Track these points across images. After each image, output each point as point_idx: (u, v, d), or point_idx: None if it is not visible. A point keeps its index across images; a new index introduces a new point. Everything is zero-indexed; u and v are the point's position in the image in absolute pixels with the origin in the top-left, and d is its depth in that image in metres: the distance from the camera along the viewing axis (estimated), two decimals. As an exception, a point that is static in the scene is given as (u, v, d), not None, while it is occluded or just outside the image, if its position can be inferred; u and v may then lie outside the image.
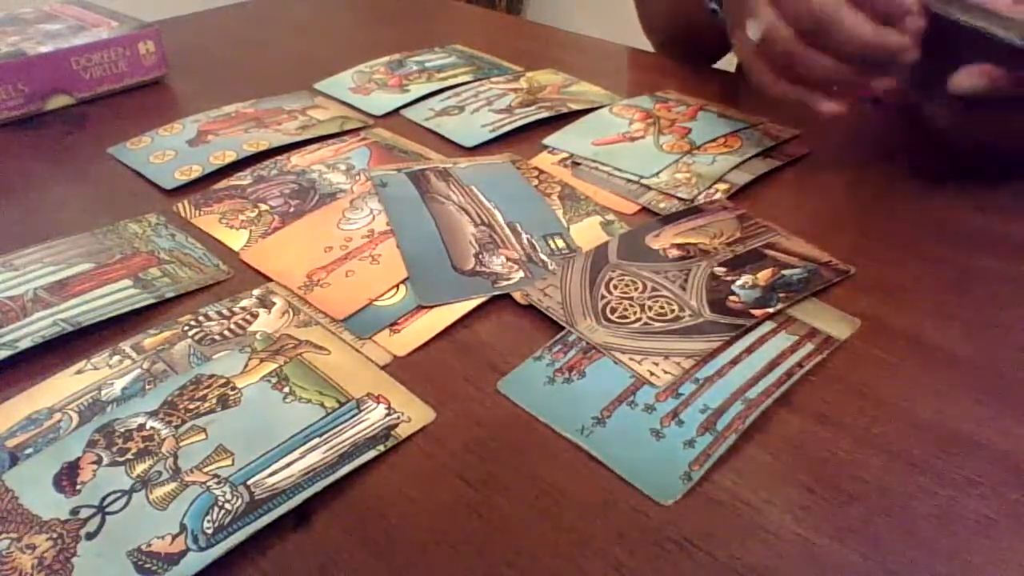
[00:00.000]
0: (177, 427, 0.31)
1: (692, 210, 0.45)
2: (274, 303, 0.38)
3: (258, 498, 0.28)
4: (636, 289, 0.38)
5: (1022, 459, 0.30)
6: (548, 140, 0.54)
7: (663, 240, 0.42)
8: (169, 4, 0.90)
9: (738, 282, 0.39)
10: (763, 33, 0.45)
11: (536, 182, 0.49)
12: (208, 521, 0.27)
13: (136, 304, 0.38)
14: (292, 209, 0.46)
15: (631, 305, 0.37)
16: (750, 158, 0.51)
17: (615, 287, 0.38)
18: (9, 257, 0.41)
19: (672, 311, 0.37)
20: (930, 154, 0.54)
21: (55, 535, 0.27)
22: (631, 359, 0.34)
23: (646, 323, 0.36)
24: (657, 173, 0.49)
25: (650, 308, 0.37)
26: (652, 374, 0.33)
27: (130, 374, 0.34)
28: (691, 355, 0.34)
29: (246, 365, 0.34)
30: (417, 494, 0.29)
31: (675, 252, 0.41)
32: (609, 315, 0.37)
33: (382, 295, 0.39)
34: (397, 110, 0.60)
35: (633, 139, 0.54)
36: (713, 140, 0.53)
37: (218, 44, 0.75)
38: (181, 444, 0.30)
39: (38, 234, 0.43)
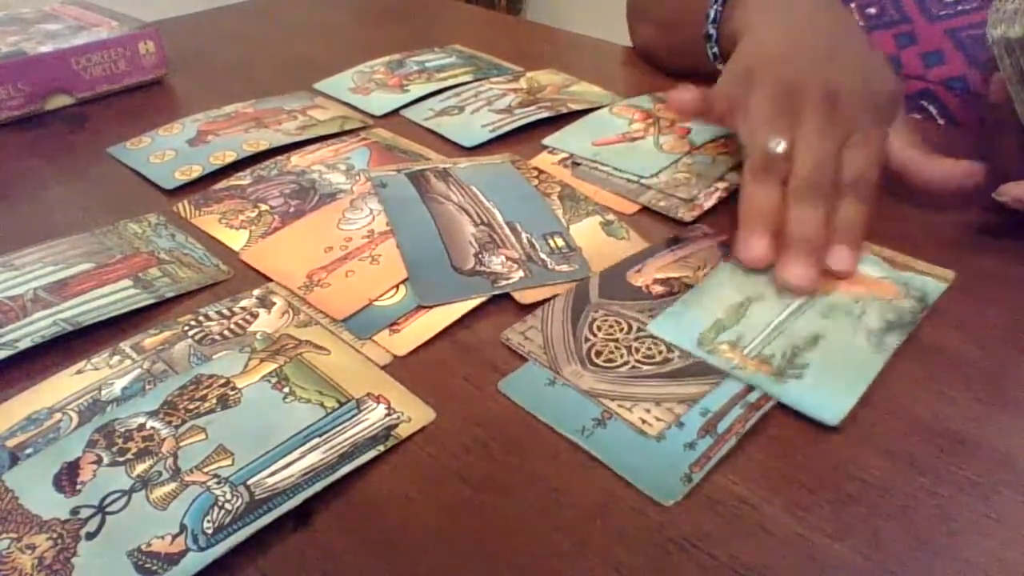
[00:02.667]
0: (177, 427, 0.31)
1: (673, 240, 0.43)
2: (274, 303, 0.38)
3: (258, 498, 0.28)
4: (621, 330, 0.36)
5: (1022, 459, 0.30)
6: (548, 140, 0.54)
7: (645, 276, 0.40)
8: (169, 4, 0.90)
9: None
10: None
11: (536, 182, 0.49)
12: (208, 521, 0.27)
13: (136, 304, 0.38)
14: (292, 209, 0.46)
15: (617, 347, 0.35)
16: (750, 158, 0.51)
17: (599, 328, 0.36)
18: (9, 257, 0.41)
19: (660, 352, 0.35)
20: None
21: (55, 535, 0.27)
22: (620, 406, 0.32)
23: (634, 367, 0.34)
24: (657, 173, 0.49)
25: (637, 350, 0.35)
26: (644, 422, 0.32)
27: (130, 374, 0.34)
28: (683, 399, 0.33)
29: (246, 365, 0.34)
30: (417, 494, 0.29)
31: (658, 288, 0.39)
32: (595, 359, 0.35)
33: (382, 295, 0.39)
34: (397, 110, 0.60)
35: (633, 139, 0.54)
36: (713, 141, 0.53)
37: (218, 44, 0.75)
38: (181, 444, 0.30)
39: (38, 234, 0.43)
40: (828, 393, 0.33)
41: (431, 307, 0.38)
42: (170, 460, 0.29)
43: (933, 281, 0.40)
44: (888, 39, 0.63)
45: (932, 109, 0.62)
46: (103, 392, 0.33)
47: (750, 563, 0.26)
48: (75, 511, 0.27)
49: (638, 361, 0.35)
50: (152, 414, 0.31)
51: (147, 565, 0.26)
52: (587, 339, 0.36)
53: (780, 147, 0.42)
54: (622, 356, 0.35)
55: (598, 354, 0.35)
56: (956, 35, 0.60)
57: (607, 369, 0.34)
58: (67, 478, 0.29)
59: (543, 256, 0.41)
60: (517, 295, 0.39)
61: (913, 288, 0.39)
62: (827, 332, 0.36)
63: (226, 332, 0.36)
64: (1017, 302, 0.39)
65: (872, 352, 0.35)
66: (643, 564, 0.26)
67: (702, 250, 0.42)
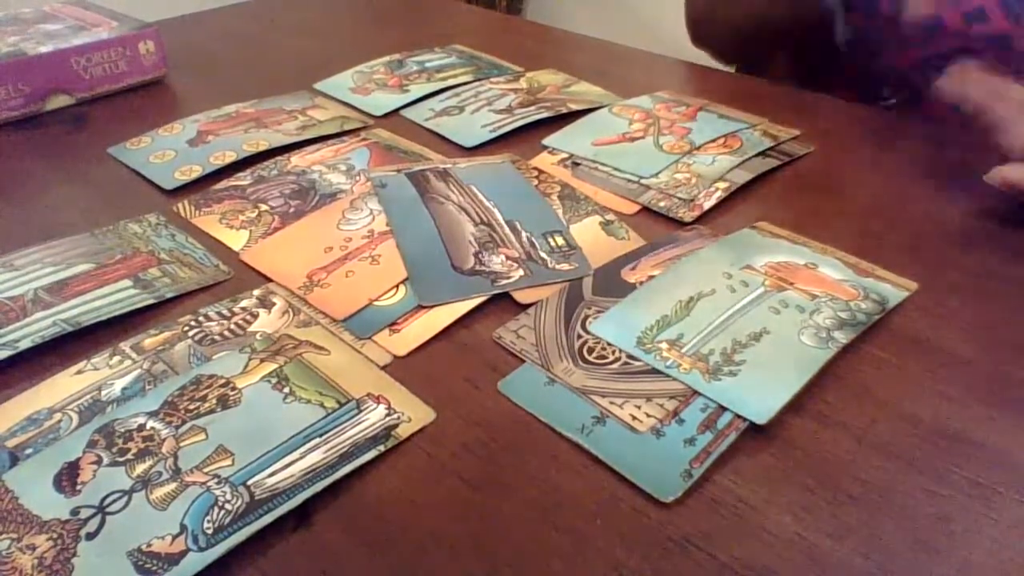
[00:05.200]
0: (177, 427, 0.31)
1: (668, 239, 0.43)
2: (274, 303, 0.38)
3: (258, 498, 0.28)
4: None
5: (1022, 459, 0.30)
6: (548, 140, 0.54)
7: (640, 273, 0.40)
8: (169, 4, 0.90)
9: None
10: None
11: (536, 182, 0.49)
12: (208, 521, 0.27)
13: (136, 304, 0.38)
14: (292, 209, 0.46)
15: (609, 343, 0.35)
16: (750, 158, 0.51)
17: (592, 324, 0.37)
18: (9, 257, 0.41)
19: None
20: (930, 155, 0.54)
21: (55, 535, 0.27)
22: (611, 403, 0.32)
23: (625, 363, 0.34)
24: (657, 173, 0.49)
25: None
26: (635, 418, 0.32)
27: (130, 374, 0.34)
28: (673, 395, 0.33)
29: (246, 365, 0.34)
30: (417, 494, 0.29)
31: None
32: (587, 355, 0.35)
33: (382, 295, 0.39)
34: (397, 110, 0.60)
35: (633, 139, 0.54)
36: (713, 140, 0.53)
37: (218, 44, 0.75)
38: (181, 444, 0.30)
39: (38, 234, 0.43)
40: (760, 392, 0.32)
41: (431, 307, 0.38)
42: (170, 460, 0.29)
43: (893, 288, 0.39)
44: None
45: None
46: (103, 392, 0.33)
47: (750, 563, 0.26)
48: (75, 511, 0.27)
49: (629, 357, 0.35)
50: (152, 414, 0.31)
51: (147, 565, 0.26)
52: (579, 336, 0.36)
53: None
54: (613, 352, 0.35)
55: (590, 351, 0.35)
56: None
57: (598, 366, 0.34)
58: (67, 478, 0.29)
59: (543, 255, 0.41)
60: (517, 294, 0.39)
61: (873, 292, 0.39)
62: (773, 328, 0.36)
63: (226, 332, 0.36)
64: (1016, 302, 0.39)
65: (816, 349, 0.35)
66: (643, 564, 0.26)
67: (696, 249, 0.42)
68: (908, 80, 0.64)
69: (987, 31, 0.60)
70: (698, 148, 0.52)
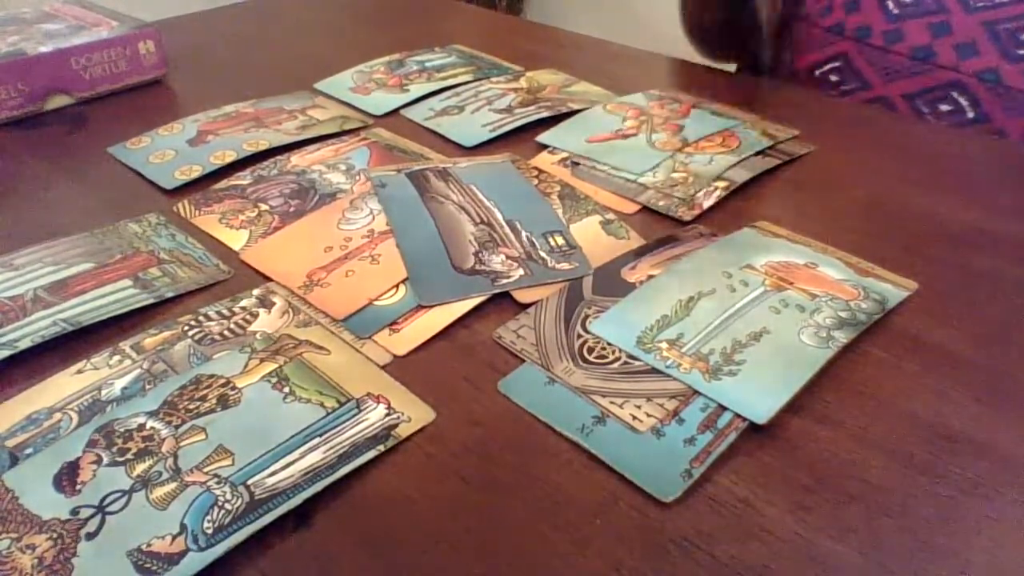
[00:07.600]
0: (177, 427, 0.31)
1: (667, 239, 0.43)
2: (274, 303, 0.38)
3: (258, 498, 0.28)
4: None
5: (1022, 459, 0.30)
6: (541, 137, 0.54)
7: (639, 272, 0.40)
8: (169, 4, 0.90)
9: None
10: None
11: (536, 182, 0.49)
12: (208, 521, 0.27)
13: (136, 304, 0.38)
14: (292, 209, 0.46)
15: (609, 343, 0.35)
16: (748, 157, 0.51)
17: (592, 324, 0.37)
18: (9, 257, 0.41)
19: None
20: (929, 155, 0.54)
21: (55, 535, 0.27)
22: (611, 403, 0.32)
23: (625, 362, 0.34)
24: (649, 170, 0.49)
25: None
26: (635, 418, 0.32)
27: (130, 374, 0.34)
28: (674, 395, 0.33)
29: (246, 365, 0.34)
30: (417, 494, 0.29)
31: None
32: (587, 355, 0.35)
33: (382, 295, 0.39)
34: (397, 110, 0.60)
35: (626, 136, 0.54)
36: (706, 137, 0.53)
37: (218, 44, 0.75)
38: (181, 444, 0.30)
39: (38, 234, 0.43)
40: (760, 391, 0.32)
41: (431, 307, 0.38)
42: (170, 460, 0.29)
43: (894, 288, 0.39)
44: (922, 28, 0.62)
45: (963, 101, 0.62)
46: (103, 392, 0.33)
47: (750, 563, 0.26)
48: (75, 511, 0.27)
49: (629, 357, 0.35)
50: (152, 414, 0.31)
51: (147, 565, 0.26)
52: (579, 335, 0.36)
53: None
54: (613, 352, 0.35)
55: (590, 350, 0.35)
56: (992, 27, 0.60)
57: (599, 365, 0.34)
58: (67, 478, 0.29)
59: (543, 255, 0.41)
60: (517, 294, 0.39)
61: (873, 292, 0.39)
62: (773, 328, 0.36)
63: (226, 332, 0.36)
64: (1016, 302, 0.39)
65: (816, 349, 0.35)
66: (643, 564, 0.26)
67: (696, 249, 0.42)
68: (896, 111, 0.65)
69: (978, 66, 0.60)
70: (689, 145, 0.52)
